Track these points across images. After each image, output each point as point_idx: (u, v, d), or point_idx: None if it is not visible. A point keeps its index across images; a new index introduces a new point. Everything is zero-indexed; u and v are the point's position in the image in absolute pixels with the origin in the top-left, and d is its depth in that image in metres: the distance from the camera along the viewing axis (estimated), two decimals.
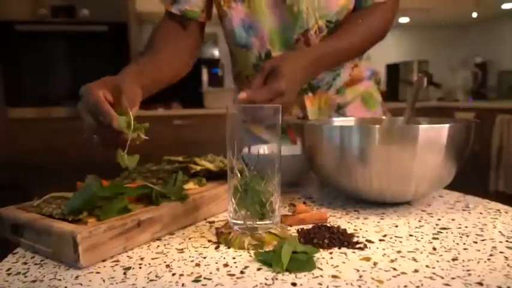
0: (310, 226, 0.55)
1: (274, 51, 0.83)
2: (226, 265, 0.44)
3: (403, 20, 3.72)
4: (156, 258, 0.46)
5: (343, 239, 0.49)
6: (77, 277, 0.41)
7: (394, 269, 0.42)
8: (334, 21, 0.81)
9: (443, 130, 0.57)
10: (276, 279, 0.40)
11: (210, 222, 0.59)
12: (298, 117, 0.90)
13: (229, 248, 0.49)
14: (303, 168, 0.78)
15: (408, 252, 0.46)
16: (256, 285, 0.39)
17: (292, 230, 0.54)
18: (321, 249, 0.47)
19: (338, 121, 0.81)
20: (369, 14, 0.81)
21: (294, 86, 0.68)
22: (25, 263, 0.45)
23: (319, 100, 0.89)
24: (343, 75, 0.88)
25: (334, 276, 0.40)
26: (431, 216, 0.60)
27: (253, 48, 0.84)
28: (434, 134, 0.57)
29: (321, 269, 0.42)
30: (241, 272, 0.42)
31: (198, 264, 0.44)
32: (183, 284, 0.39)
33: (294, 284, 0.39)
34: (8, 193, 1.77)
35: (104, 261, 0.45)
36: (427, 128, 0.57)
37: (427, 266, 0.42)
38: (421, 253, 0.46)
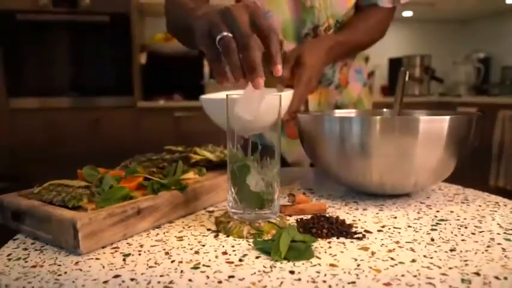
0: (309, 216, 0.55)
1: (286, 41, 0.85)
2: (225, 253, 0.44)
3: (407, 13, 3.69)
4: (156, 245, 0.46)
5: (341, 229, 0.49)
6: (76, 263, 0.42)
7: (392, 258, 0.42)
8: (341, 21, 0.86)
9: (444, 122, 0.57)
10: (274, 267, 0.40)
11: (209, 212, 0.59)
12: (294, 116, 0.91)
13: (228, 236, 0.49)
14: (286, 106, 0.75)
15: (406, 242, 0.47)
16: (255, 273, 0.39)
17: (291, 220, 0.54)
18: (319, 239, 0.47)
19: (338, 112, 0.81)
20: (370, 14, 0.87)
21: (318, 74, 0.75)
22: (25, 249, 0.46)
23: (320, 95, 0.91)
24: (337, 72, 0.91)
25: (332, 265, 0.40)
26: (430, 208, 0.60)
27: None
28: (436, 126, 0.57)
29: (319, 258, 0.42)
30: (240, 260, 0.42)
31: (197, 252, 0.44)
32: (181, 271, 0.40)
33: (292, 272, 0.39)
34: (9, 183, 1.78)
35: (103, 247, 0.46)
36: (428, 119, 0.57)
37: (424, 256, 0.42)
38: (419, 244, 0.46)
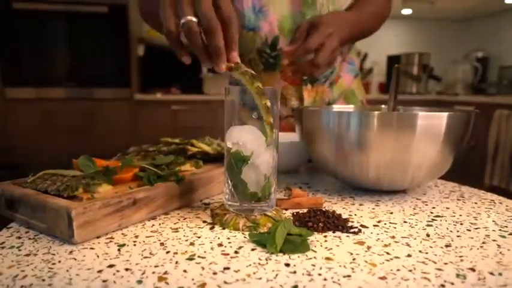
0: (305, 210, 0.55)
1: (282, 37, 0.82)
2: (220, 245, 0.44)
3: (406, 11, 3.69)
4: (151, 236, 0.46)
5: (337, 223, 0.49)
6: (71, 252, 0.41)
7: (388, 253, 0.42)
8: None
9: (442, 118, 0.57)
10: (270, 259, 0.40)
11: (205, 204, 0.59)
12: (292, 109, 0.90)
13: (224, 229, 0.49)
14: (300, 155, 0.78)
15: (402, 237, 0.47)
16: (250, 265, 0.39)
17: (287, 214, 0.54)
18: (315, 233, 0.47)
19: (337, 108, 0.81)
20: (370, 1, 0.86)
21: (339, 31, 0.70)
22: (19, 237, 0.45)
23: (316, 93, 0.90)
24: (337, 69, 0.90)
25: (327, 259, 0.40)
26: (426, 205, 0.60)
27: (261, 32, 0.83)
28: (434, 122, 0.56)
29: (315, 251, 0.42)
30: (235, 252, 0.42)
31: (192, 243, 0.44)
32: (176, 262, 0.39)
33: (287, 265, 0.39)
34: (5, 173, 1.77)
35: (98, 237, 0.45)
36: (426, 115, 0.57)
37: (420, 251, 0.42)
38: (415, 239, 0.46)
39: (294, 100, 0.89)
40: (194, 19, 0.44)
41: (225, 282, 0.35)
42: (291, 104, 0.89)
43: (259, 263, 0.39)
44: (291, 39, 0.72)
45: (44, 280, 0.35)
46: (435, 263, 0.40)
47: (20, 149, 2.47)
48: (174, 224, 0.50)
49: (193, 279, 0.36)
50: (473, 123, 0.61)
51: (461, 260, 0.40)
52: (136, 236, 0.46)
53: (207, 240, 0.45)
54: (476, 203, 0.61)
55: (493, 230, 0.49)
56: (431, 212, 0.56)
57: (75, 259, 0.40)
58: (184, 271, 0.37)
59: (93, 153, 0.57)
